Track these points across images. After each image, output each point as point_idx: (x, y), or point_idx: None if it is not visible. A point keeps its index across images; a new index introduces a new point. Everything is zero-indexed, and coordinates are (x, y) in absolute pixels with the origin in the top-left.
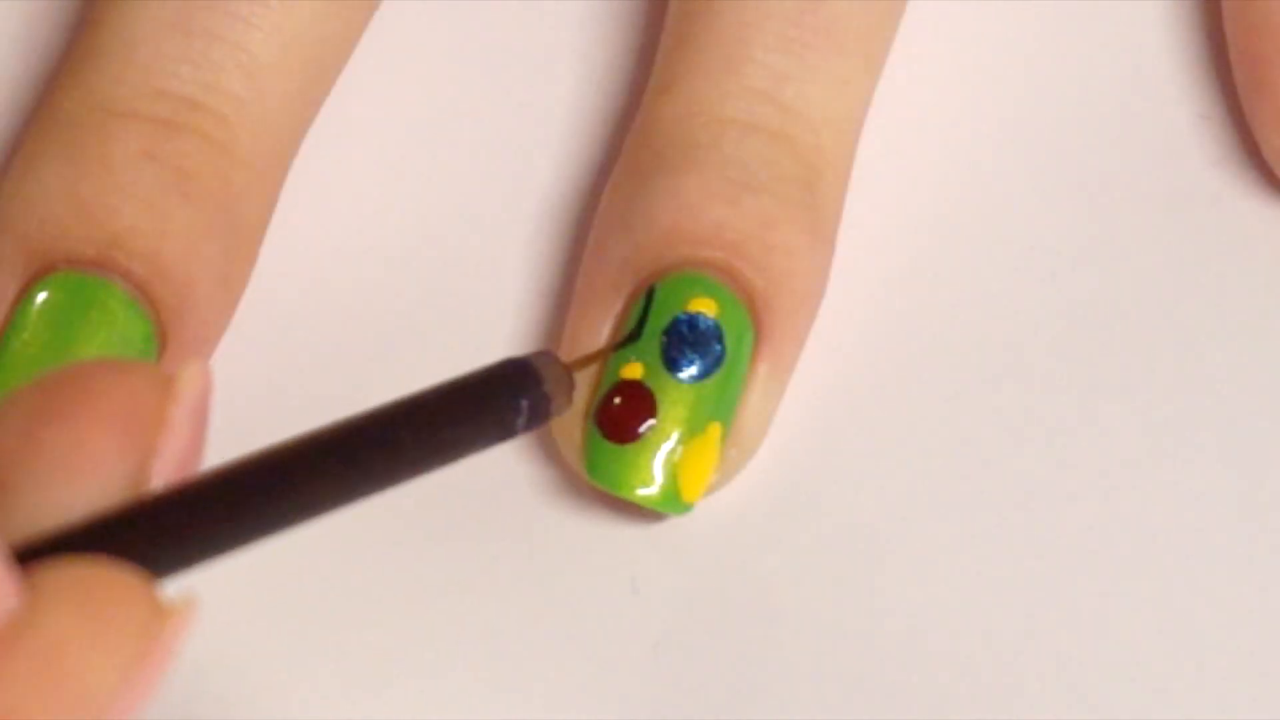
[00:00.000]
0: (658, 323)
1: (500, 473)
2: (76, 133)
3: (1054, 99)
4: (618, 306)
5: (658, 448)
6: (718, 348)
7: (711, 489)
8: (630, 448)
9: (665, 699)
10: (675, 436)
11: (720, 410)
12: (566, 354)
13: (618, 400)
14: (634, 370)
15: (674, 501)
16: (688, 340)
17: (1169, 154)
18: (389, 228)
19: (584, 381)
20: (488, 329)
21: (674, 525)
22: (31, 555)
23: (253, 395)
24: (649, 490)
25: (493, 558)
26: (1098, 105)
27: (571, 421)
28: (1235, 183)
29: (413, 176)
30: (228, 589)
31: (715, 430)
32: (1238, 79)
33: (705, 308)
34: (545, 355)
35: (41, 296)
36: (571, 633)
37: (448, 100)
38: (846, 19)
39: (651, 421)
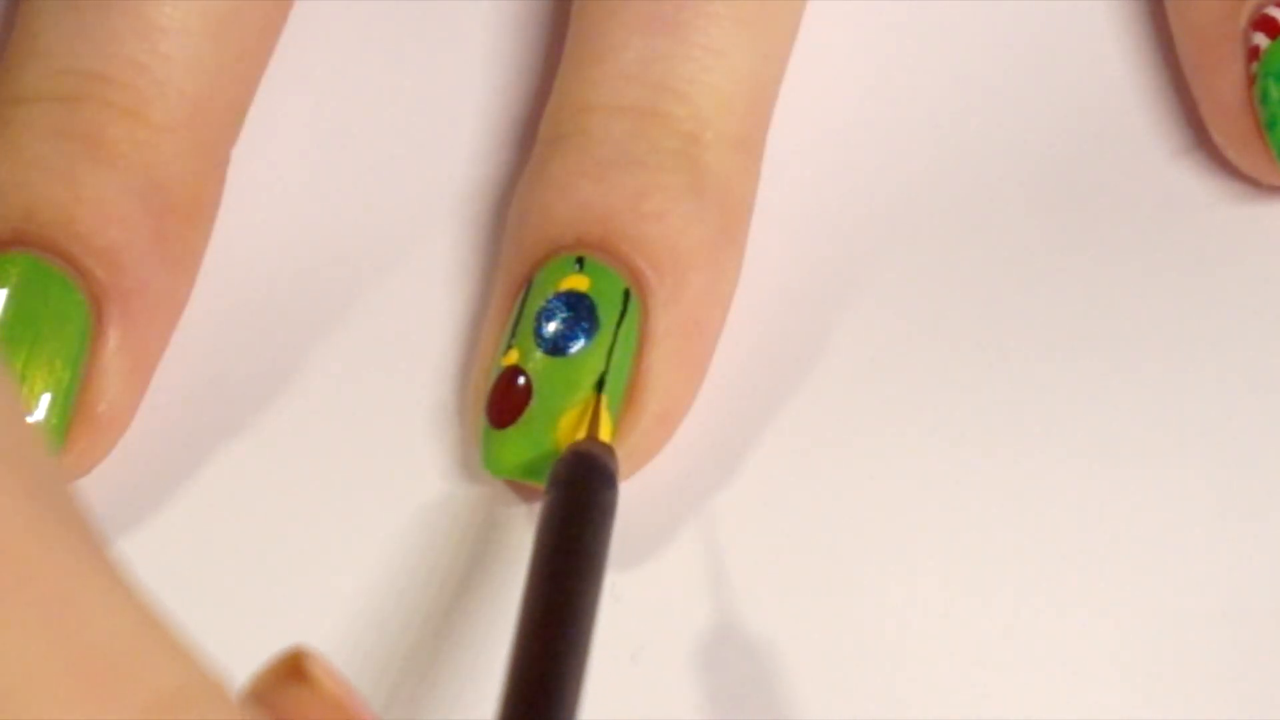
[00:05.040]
0: (532, 307)
1: (480, 482)
2: None
3: (1044, 98)
4: (512, 309)
5: (535, 425)
6: (585, 320)
7: (634, 459)
8: (511, 431)
9: (643, 708)
10: (551, 412)
11: (603, 379)
12: (477, 360)
13: (496, 388)
14: (511, 356)
15: None
16: (555, 318)
17: (1154, 152)
18: (329, 218)
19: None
20: (425, 320)
21: (655, 533)
22: None
23: (202, 384)
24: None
25: (471, 565)
26: (1085, 104)
27: (476, 424)
28: (1222, 181)
29: (350, 170)
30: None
31: (599, 401)
32: (1189, 81)
33: (576, 284)
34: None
35: None
36: None
37: (386, 93)
38: None
39: (530, 403)
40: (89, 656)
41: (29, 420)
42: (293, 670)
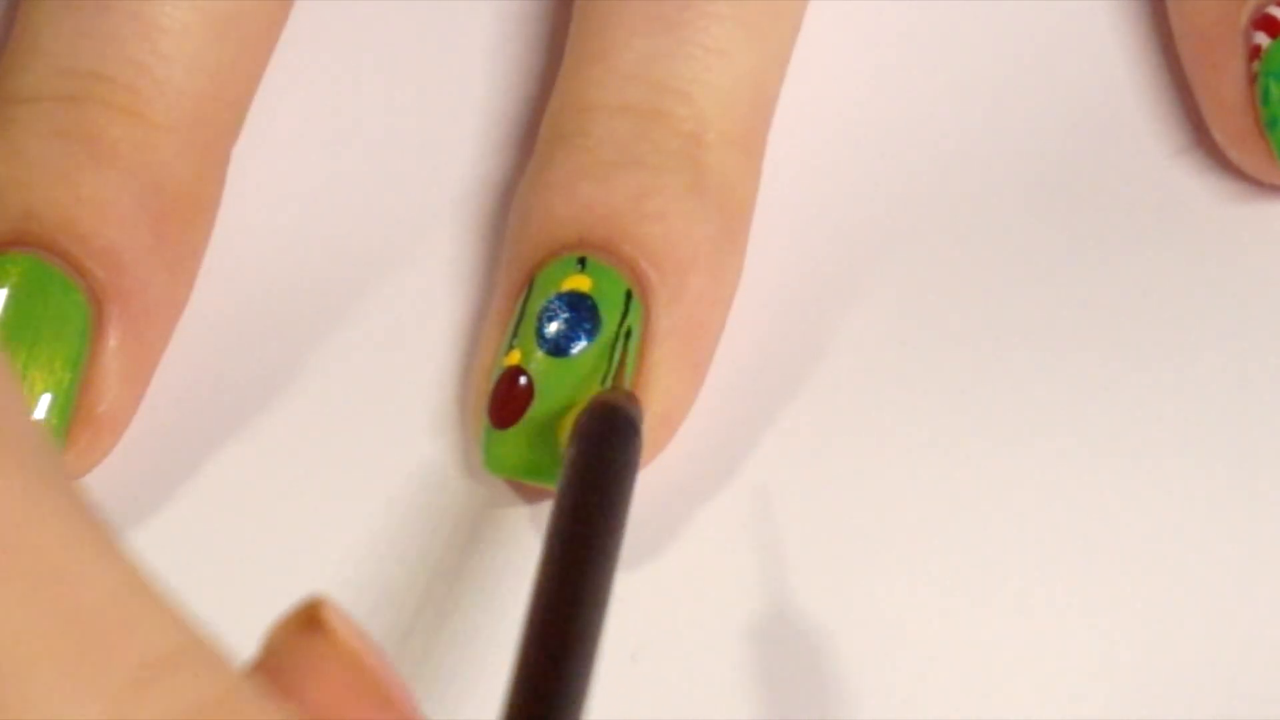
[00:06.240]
0: (534, 307)
1: (481, 482)
2: None
3: (1044, 98)
4: (514, 309)
5: (537, 426)
6: (587, 321)
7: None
8: (513, 431)
9: (643, 708)
10: (552, 412)
11: (607, 380)
12: (478, 360)
13: (498, 388)
14: (513, 357)
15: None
16: (558, 318)
17: (1154, 152)
18: (329, 218)
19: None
20: (426, 320)
21: (653, 533)
22: None
23: (202, 384)
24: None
25: (470, 566)
26: (1085, 104)
27: (477, 425)
28: (1222, 181)
29: (351, 170)
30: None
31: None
32: (1190, 80)
33: (579, 285)
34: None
35: None
36: None
37: (386, 93)
38: None
39: (532, 403)
40: (78, 620)
41: (19, 394)
42: (309, 621)
